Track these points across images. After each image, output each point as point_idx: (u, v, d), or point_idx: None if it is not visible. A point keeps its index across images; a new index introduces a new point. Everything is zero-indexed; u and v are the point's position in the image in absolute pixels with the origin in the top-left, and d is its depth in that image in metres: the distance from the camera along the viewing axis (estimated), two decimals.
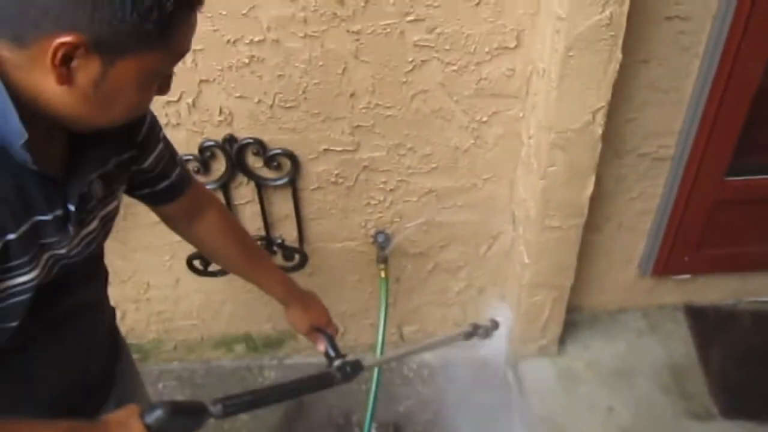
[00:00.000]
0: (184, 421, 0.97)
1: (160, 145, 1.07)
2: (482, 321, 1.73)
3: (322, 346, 1.39)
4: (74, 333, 1.01)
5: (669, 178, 1.96)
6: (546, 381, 2.14)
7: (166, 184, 1.12)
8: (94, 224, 0.93)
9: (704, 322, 2.32)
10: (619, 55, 1.51)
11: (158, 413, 0.93)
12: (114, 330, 1.27)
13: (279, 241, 1.98)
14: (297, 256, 2.02)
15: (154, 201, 1.15)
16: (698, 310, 2.35)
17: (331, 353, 1.35)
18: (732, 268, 2.25)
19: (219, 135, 1.78)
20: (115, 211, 1.00)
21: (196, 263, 2.01)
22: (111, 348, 1.22)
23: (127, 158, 0.98)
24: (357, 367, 1.28)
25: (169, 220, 1.25)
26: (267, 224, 1.97)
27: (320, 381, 1.25)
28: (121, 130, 0.91)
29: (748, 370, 2.17)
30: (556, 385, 2.12)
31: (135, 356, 2.36)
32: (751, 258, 2.21)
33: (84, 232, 0.91)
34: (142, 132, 1.00)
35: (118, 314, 2.21)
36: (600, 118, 1.61)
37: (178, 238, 1.99)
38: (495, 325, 1.74)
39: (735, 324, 2.32)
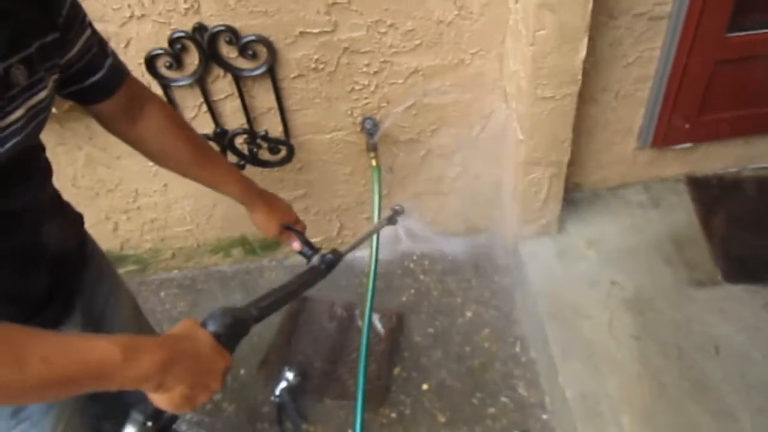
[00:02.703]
0: (238, 327, 0.92)
1: (88, 32, 0.98)
2: (395, 206, 1.65)
3: (297, 245, 1.37)
4: (13, 238, 0.93)
5: (667, 39, 1.85)
6: (547, 260, 2.11)
7: (97, 77, 1.02)
8: (18, 114, 0.84)
9: (707, 192, 2.26)
10: None
11: (221, 321, 0.88)
12: (77, 236, 1.18)
13: (263, 133, 1.91)
14: (283, 149, 1.96)
15: (86, 98, 1.05)
16: (700, 180, 2.30)
17: (307, 250, 1.35)
18: (735, 133, 2.18)
19: (188, 25, 1.68)
20: (45, 103, 0.90)
21: None
22: (71, 255, 1.13)
23: (51, 41, 0.89)
24: (337, 256, 1.28)
25: (107, 121, 1.13)
26: (249, 119, 1.89)
27: (308, 277, 1.24)
28: (38, 9, 0.84)
29: (751, 234, 2.14)
30: (557, 263, 2.10)
31: (133, 267, 2.38)
32: (755, 120, 2.13)
33: (5, 122, 0.82)
34: (62, 12, 0.91)
35: (110, 226, 2.21)
36: None
37: None
38: (401, 210, 1.66)
39: (738, 192, 2.27)
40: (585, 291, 2.02)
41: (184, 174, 1.27)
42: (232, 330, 0.89)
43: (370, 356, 1.91)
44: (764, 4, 1.87)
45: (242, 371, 2.10)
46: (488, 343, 2.10)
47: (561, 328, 1.94)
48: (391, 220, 1.59)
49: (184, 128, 1.22)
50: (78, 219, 1.19)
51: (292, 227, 1.40)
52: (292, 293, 1.16)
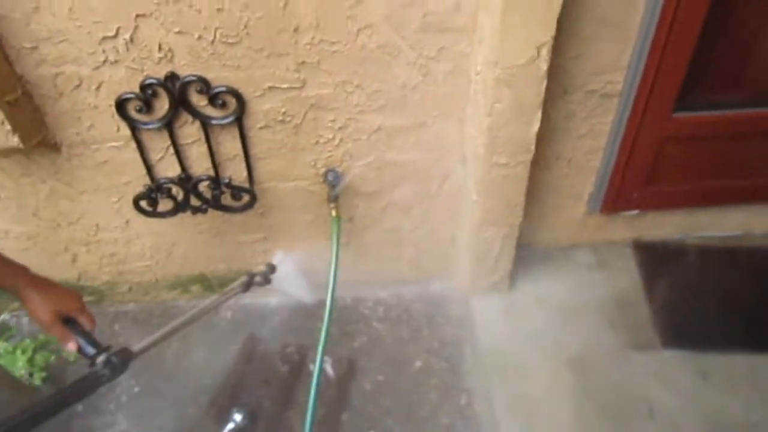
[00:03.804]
0: None
1: None
2: (258, 268, 1.66)
3: (72, 345, 1.13)
4: None
5: (617, 115, 1.97)
6: (496, 316, 2.19)
7: None
8: None
9: (651, 257, 2.37)
10: None
11: None
12: None
13: (226, 180, 1.96)
14: (245, 196, 2.00)
15: None
16: (646, 246, 2.41)
17: (89, 350, 1.12)
18: (680, 203, 2.30)
19: (160, 72, 1.73)
20: None
21: (143, 204, 1.99)
22: None
23: None
24: (126, 357, 1.11)
25: None
26: (215, 164, 1.94)
27: (86, 385, 1.07)
28: None
29: (690, 302, 2.24)
30: (506, 319, 2.17)
31: (90, 298, 2.38)
32: (699, 194, 2.25)
33: None
34: None
35: (69, 257, 2.22)
36: (545, 53, 1.60)
37: (125, 179, 1.99)
38: (271, 268, 1.68)
39: (681, 258, 2.38)
40: (530, 348, 2.09)
41: None
42: None
43: (319, 401, 1.94)
44: (708, 88, 2.00)
45: (190, 410, 2.11)
46: (435, 394, 2.15)
47: (504, 384, 2.00)
48: (252, 284, 1.57)
49: None
50: None
51: (73, 320, 1.16)
52: (48, 411, 0.96)
